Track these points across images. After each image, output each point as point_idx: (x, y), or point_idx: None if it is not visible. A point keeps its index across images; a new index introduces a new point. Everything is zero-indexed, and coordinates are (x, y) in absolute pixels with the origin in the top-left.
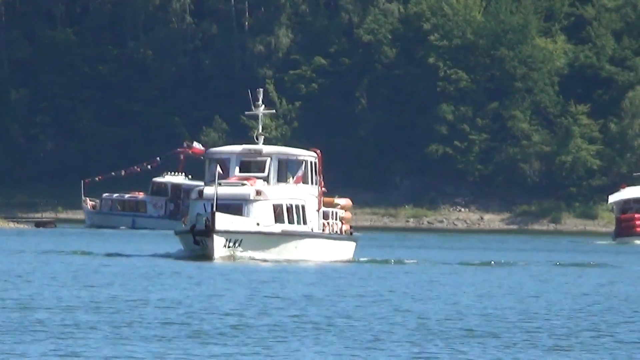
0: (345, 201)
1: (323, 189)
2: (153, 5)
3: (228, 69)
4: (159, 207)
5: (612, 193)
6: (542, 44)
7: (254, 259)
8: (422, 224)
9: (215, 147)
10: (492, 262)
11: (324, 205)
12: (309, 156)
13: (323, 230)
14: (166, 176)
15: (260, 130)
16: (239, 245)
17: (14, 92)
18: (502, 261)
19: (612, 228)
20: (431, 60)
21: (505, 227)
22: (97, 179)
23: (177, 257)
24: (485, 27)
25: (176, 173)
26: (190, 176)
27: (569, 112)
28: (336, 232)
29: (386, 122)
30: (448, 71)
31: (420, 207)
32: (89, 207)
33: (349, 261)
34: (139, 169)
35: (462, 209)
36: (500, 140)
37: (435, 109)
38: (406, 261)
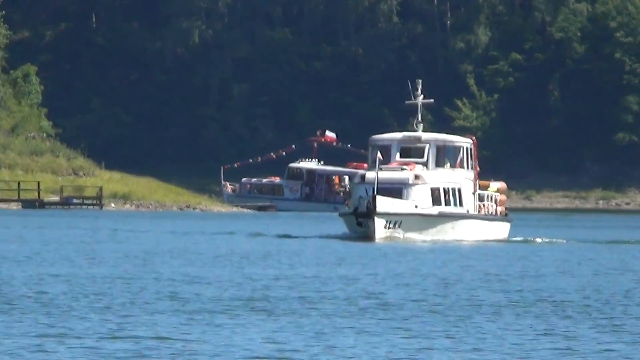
0: (500, 184)
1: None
2: (363, 7)
3: (432, 65)
4: (294, 190)
5: None
6: None
7: (413, 239)
8: (611, 205)
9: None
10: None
11: (480, 189)
12: (465, 142)
13: (479, 212)
14: (301, 162)
15: (419, 119)
16: (399, 226)
17: (236, 87)
18: None
19: None
20: (617, 55)
21: None
22: (235, 165)
23: (345, 238)
24: None
25: (310, 159)
26: (322, 162)
27: None
28: (491, 213)
29: (577, 113)
30: (633, 65)
31: (608, 190)
32: (229, 190)
33: (503, 240)
34: (274, 156)
35: None
36: None
37: (622, 100)
38: (555, 240)
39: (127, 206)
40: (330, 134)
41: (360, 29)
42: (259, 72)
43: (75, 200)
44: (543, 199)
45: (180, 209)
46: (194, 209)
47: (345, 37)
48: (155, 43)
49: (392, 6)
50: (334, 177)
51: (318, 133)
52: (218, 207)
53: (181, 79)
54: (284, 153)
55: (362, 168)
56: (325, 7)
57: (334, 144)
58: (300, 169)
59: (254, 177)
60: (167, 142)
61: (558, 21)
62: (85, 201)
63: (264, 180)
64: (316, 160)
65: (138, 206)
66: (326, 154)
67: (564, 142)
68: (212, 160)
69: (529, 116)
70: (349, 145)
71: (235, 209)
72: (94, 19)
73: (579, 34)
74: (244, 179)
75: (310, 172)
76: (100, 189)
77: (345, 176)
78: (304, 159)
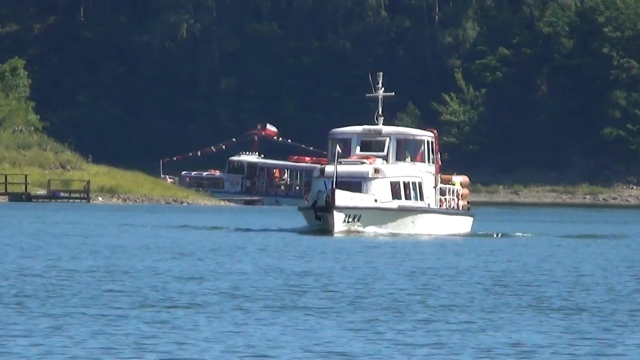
0: (462, 178)
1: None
2: (351, 1)
3: (420, 59)
4: (235, 183)
5: None
6: None
7: (372, 233)
8: (598, 200)
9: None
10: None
11: (441, 183)
12: (426, 136)
13: (440, 206)
14: (242, 155)
15: (380, 112)
16: (358, 220)
17: (224, 81)
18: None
19: None
20: (605, 50)
21: None
22: (174, 158)
23: (304, 231)
24: None
25: (250, 153)
26: (262, 155)
27: None
28: (453, 207)
29: (564, 107)
30: (621, 60)
31: (595, 185)
32: (168, 183)
33: (465, 235)
34: (215, 150)
35: (634, 187)
36: None
37: (609, 95)
38: (518, 234)
39: (115, 200)
40: (271, 128)
41: (348, 23)
42: (246, 66)
43: (62, 194)
44: (530, 194)
45: (168, 203)
46: (182, 202)
47: (333, 32)
48: (143, 37)
49: (381, 0)
50: (274, 170)
51: (259, 126)
52: (205, 201)
53: (169, 72)
54: (224, 147)
55: (303, 161)
56: (313, 1)
57: (275, 137)
58: (241, 162)
59: (193, 171)
60: (154, 136)
61: (546, 16)
62: (73, 195)
63: (204, 173)
64: (257, 153)
65: (125, 200)
66: (267, 148)
67: (552, 136)
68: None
69: (517, 111)
70: (289, 140)
71: (222, 203)
72: (82, 13)
73: (567, 28)
74: (183, 172)
75: (251, 165)
76: (88, 182)
77: (285, 169)
78: (244, 153)
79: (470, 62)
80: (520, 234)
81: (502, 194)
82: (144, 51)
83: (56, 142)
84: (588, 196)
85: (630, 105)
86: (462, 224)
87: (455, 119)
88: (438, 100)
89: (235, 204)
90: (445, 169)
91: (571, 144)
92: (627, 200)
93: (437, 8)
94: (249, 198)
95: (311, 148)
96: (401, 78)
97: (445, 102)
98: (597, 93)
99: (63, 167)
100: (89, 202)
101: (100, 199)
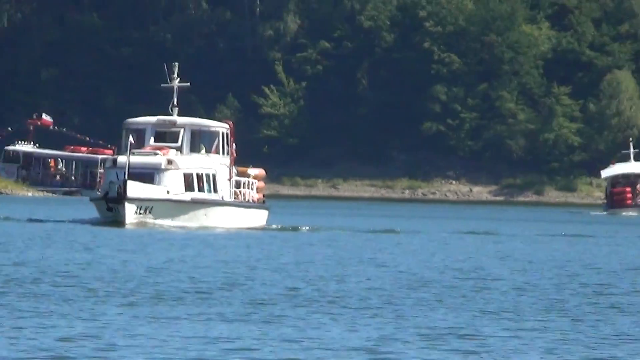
0: (258, 171)
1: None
2: None
3: (240, 52)
4: (11, 173)
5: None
6: (527, 31)
7: (164, 225)
8: (417, 195)
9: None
10: (399, 230)
11: (238, 175)
12: (221, 127)
13: (235, 198)
14: (17, 145)
15: (175, 102)
16: (150, 212)
17: (44, 72)
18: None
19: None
20: (426, 45)
21: (493, 198)
22: None
23: (95, 223)
24: (476, 15)
25: (26, 142)
26: (37, 145)
27: (552, 93)
28: (248, 200)
29: (385, 102)
30: (442, 55)
31: (415, 180)
32: None
33: (259, 228)
34: None
35: (453, 182)
36: (489, 119)
37: (430, 90)
38: (303, 228)
39: None
40: (46, 118)
41: (169, 14)
42: (67, 56)
43: None
44: (350, 188)
45: None
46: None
47: (154, 23)
48: None
49: None
50: (50, 160)
51: (34, 116)
52: (24, 192)
53: None
54: (0, 136)
55: (79, 151)
56: None
57: (50, 127)
58: (16, 152)
59: None
60: None
61: (367, 9)
62: None
63: None
64: (32, 143)
65: None
66: (43, 138)
67: (372, 131)
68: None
69: (337, 105)
70: (64, 129)
71: (40, 194)
72: None
73: (388, 22)
74: None
75: (27, 155)
76: None
77: (61, 159)
78: (19, 142)
79: (291, 55)
80: (307, 228)
81: (322, 188)
82: None
83: None
84: (407, 191)
85: (450, 100)
86: (257, 217)
87: (276, 112)
88: (258, 93)
89: (54, 195)
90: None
91: (391, 138)
92: (446, 195)
93: (257, 0)
94: (67, 189)
95: (87, 138)
96: (222, 70)
97: (265, 95)
98: (417, 88)
99: None
100: None
101: None
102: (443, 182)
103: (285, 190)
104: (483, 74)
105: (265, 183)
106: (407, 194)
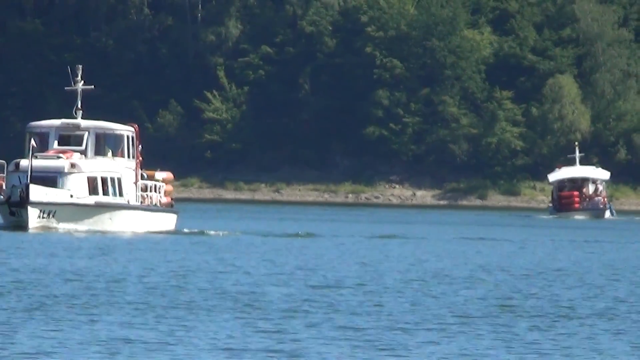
0: (166, 174)
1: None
2: None
3: (182, 57)
4: None
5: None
6: (469, 35)
7: (69, 229)
8: (360, 199)
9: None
10: (299, 234)
11: (147, 179)
12: (126, 130)
13: (142, 202)
14: None
15: (79, 106)
16: (53, 216)
17: None
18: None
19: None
20: (368, 49)
21: (436, 202)
22: None
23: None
24: (418, 20)
25: None
26: None
27: (494, 97)
28: (155, 204)
29: (327, 106)
30: (384, 60)
31: (358, 184)
32: None
33: (167, 232)
34: None
35: (397, 186)
36: (432, 123)
37: (372, 95)
38: (211, 232)
39: None
40: None
41: (111, 20)
42: (9, 62)
43: None
44: (293, 192)
45: None
46: None
47: (96, 29)
48: None
49: None
50: None
51: None
52: None
53: None
54: None
55: None
56: None
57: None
58: None
59: None
60: None
61: (309, 15)
62: None
63: None
64: None
65: None
66: None
67: (314, 135)
68: None
69: (280, 109)
70: None
71: None
72: None
73: (330, 27)
74: None
75: None
76: None
77: None
78: None
79: (232, 60)
80: (215, 232)
81: (265, 192)
82: None
83: None
84: (350, 195)
85: (392, 104)
86: (165, 221)
87: (218, 116)
88: (201, 98)
89: None
90: (210, 166)
91: (334, 143)
92: (389, 199)
93: (199, 6)
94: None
95: None
96: (164, 75)
97: (208, 100)
98: (360, 92)
99: None
100: None
101: None
102: (386, 186)
103: (229, 195)
104: (425, 78)
105: (173, 186)
106: (350, 198)
